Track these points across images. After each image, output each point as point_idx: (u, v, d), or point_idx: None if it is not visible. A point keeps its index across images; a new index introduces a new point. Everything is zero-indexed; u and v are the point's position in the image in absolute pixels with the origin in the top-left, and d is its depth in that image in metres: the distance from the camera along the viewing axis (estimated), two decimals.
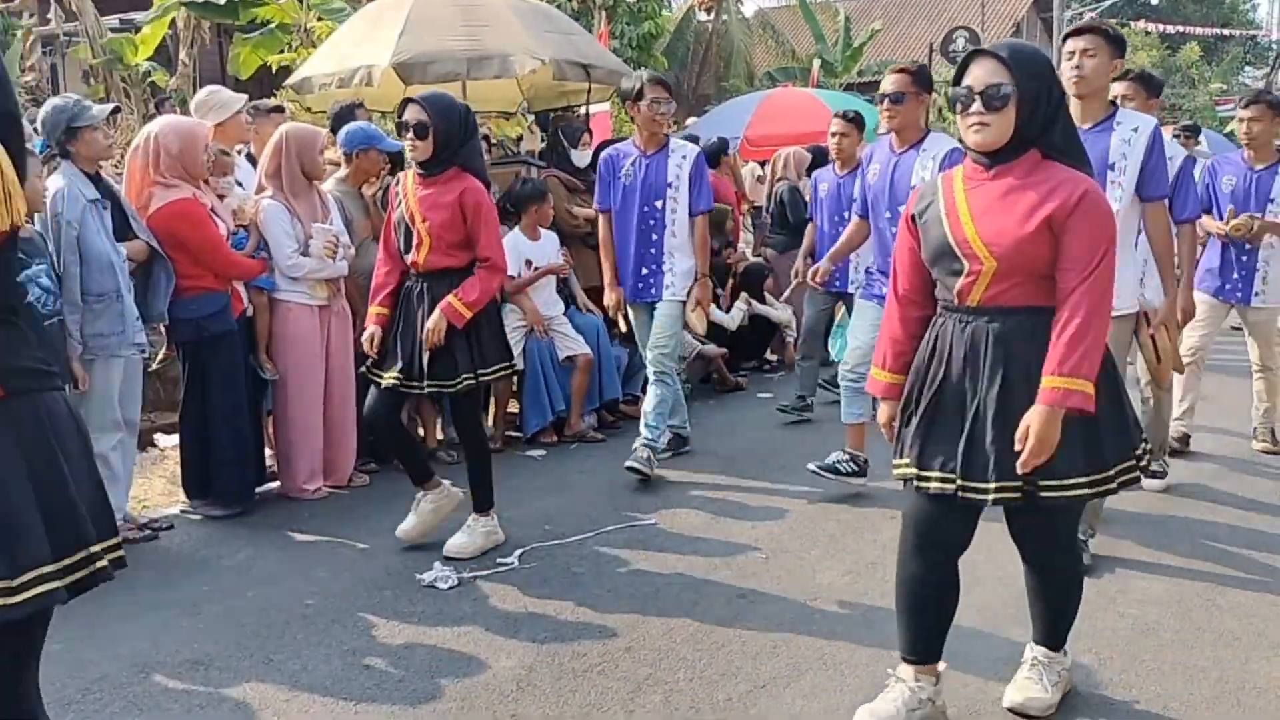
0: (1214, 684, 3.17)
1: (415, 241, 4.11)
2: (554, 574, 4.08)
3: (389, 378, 4.14)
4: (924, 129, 4.68)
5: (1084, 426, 2.60)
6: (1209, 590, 3.87)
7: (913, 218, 2.80)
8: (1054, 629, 3.02)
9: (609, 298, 5.39)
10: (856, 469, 4.98)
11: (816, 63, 19.75)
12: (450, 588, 3.94)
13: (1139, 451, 2.75)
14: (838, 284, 5.95)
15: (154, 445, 5.83)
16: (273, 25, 10.51)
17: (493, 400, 5.95)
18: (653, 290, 5.25)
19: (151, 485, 5.30)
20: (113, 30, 12.38)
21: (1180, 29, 29.04)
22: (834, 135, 6.20)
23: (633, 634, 3.54)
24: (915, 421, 2.76)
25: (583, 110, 7.31)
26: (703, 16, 23.85)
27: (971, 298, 2.65)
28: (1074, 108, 3.77)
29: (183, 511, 4.86)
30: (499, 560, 4.19)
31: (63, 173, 4.34)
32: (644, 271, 5.24)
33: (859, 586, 3.90)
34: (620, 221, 5.27)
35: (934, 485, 2.70)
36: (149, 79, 11.64)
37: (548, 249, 6.02)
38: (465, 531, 4.28)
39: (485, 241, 4.09)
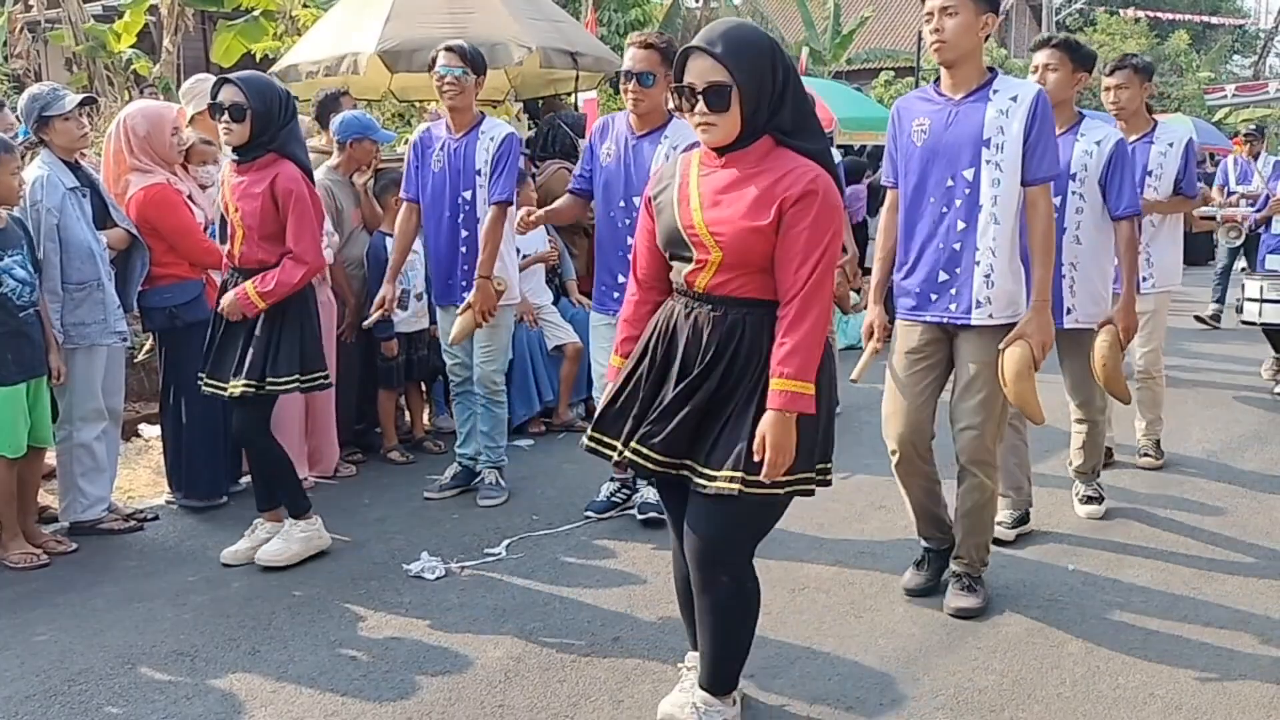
0: (1200, 670, 3.18)
1: (230, 232, 3.91)
2: (542, 564, 4.06)
3: (210, 384, 3.98)
4: (667, 114, 4.13)
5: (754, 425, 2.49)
6: (1196, 578, 3.88)
7: (650, 199, 2.71)
8: (714, 667, 2.72)
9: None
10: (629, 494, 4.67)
11: (805, 50, 19.70)
12: (437, 578, 3.92)
13: (818, 468, 2.60)
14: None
15: (139, 435, 5.79)
16: (257, 13, 10.43)
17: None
18: (464, 296, 4.51)
19: (137, 476, 5.26)
20: (95, 17, 12.27)
21: (1169, 17, 29.11)
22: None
23: (621, 624, 3.53)
24: (614, 389, 2.72)
25: (571, 98, 7.27)
26: (691, 3, 23.77)
27: (698, 284, 2.57)
28: (944, 78, 3.46)
29: (167, 502, 4.83)
30: (486, 550, 4.17)
31: (42, 161, 4.31)
32: (460, 273, 4.59)
33: (846, 577, 3.90)
34: (429, 214, 4.64)
35: (604, 450, 2.69)
36: (132, 67, 11.54)
37: (534, 237, 5.99)
38: (280, 538, 4.03)
39: (294, 232, 3.81)
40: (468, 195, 4.50)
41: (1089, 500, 4.54)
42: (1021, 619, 3.54)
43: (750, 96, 2.45)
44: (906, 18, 29.17)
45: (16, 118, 5.34)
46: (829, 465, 2.66)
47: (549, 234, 6.15)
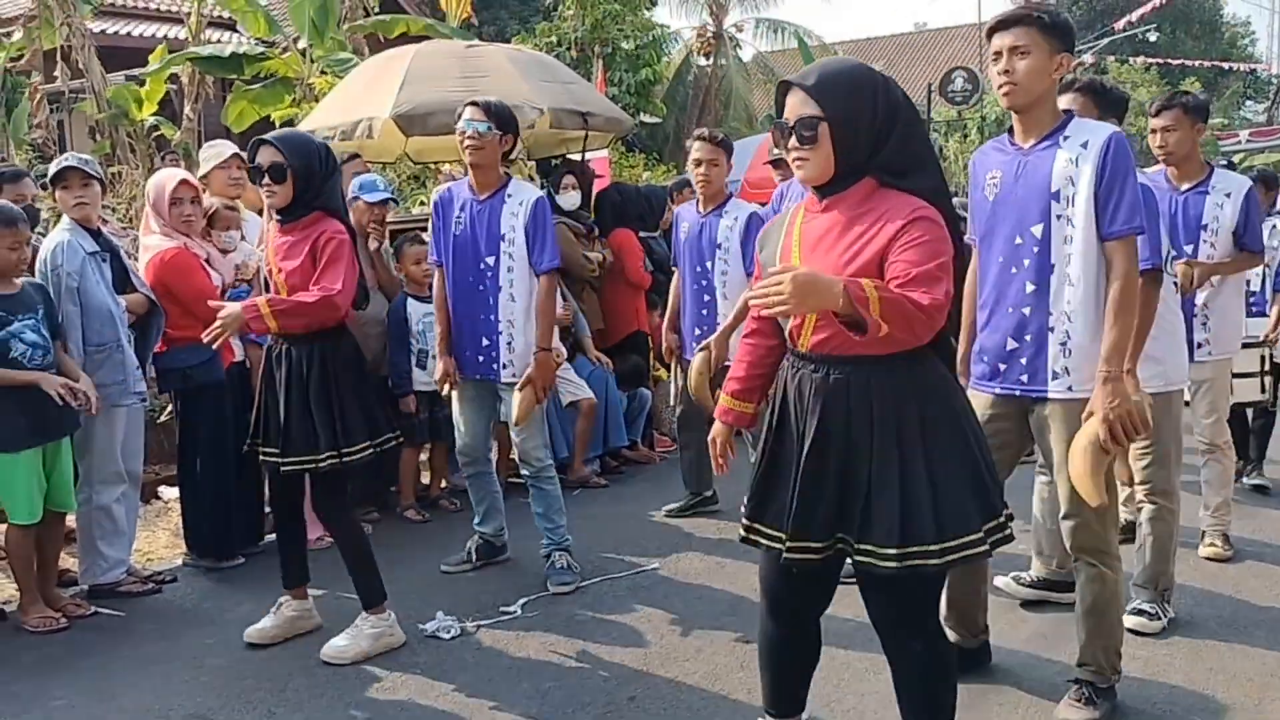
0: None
1: (273, 292, 3.75)
2: (558, 622, 4.05)
3: (261, 447, 3.80)
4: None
5: (926, 491, 2.35)
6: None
7: (756, 249, 2.69)
8: None
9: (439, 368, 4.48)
10: None
11: None
12: (453, 637, 3.92)
13: (995, 523, 2.42)
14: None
15: (158, 497, 5.82)
16: (275, 79, 10.62)
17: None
18: (494, 367, 4.36)
19: (155, 538, 5.29)
20: (120, 86, 12.52)
21: (1180, 63, 29.26)
22: (699, 164, 5.03)
23: (638, 683, 3.51)
24: (756, 472, 2.58)
25: (576, 155, 7.37)
26: (702, 61, 24.12)
27: (801, 342, 2.45)
28: (1015, 125, 3.11)
29: (185, 564, 4.84)
30: (502, 609, 4.17)
31: (63, 226, 4.42)
32: (484, 343, 4.37)
33: (867, 632, 3.85)
34: (449, 278, 4.41)
35: (764, 541, 2.54)
36: (155, 133, 11.75)
37: None
38: (349, 633, 3.78)
39: (323, 271, 3.60)
40: (490, 261, 4.26)
41: (1141, 613, 3.76)
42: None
43: (843, 131, 2.35)
44: (915, 71, 29.51)
45: (42, 186, 5.47)
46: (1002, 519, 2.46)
47: (563, 294, 6.20)
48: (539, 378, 4.24)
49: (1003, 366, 3.12)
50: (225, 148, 5.14)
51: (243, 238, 5.09)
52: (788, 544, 2.45)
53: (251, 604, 4.25)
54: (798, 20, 30.32)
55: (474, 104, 4.23)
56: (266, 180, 3.61)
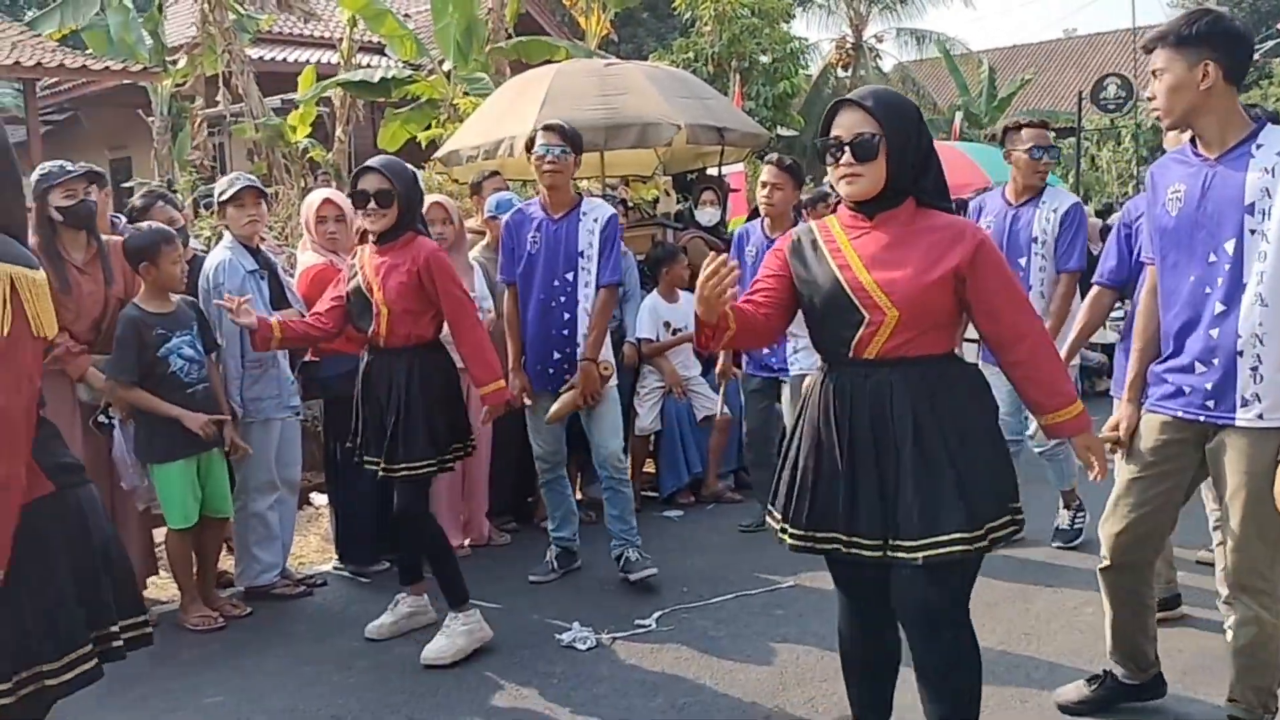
0: None
1: (375, 312, 3.87)
2: (692, 637, 4.04)
3: (370, 462, 3.96)
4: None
5: (959, 480, 2.49)
6: None
7: (790, 272, 2.67)
8: None
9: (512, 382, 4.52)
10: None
11: (959, 115, 19.47)
12: (588, 649, 3.95)
13: (1014, 509, 2.59)
14: (774, 364, 5.15)
15: (309, 503, 6.05)
16: (421, 101, 10.98)
17: (629, 457, 5.95)
18: (567, 378, 4.47)
19: (307, 542, 5.50)
20: (274, 111, 13.17)
21: None
22: (765, 186, 5.12)
23: (773, 701, 3.47)
24: (811, 482, 2.62)
25: (712, 170, 7.37)
26: (840, 73, 23.87)
27: (870, 350, 2.53)
28: (1171, 139, 3.25)
29: (335, 568, 5.02)
30: (637, 622, 4.18)
31: (225, 245, 4.64)
32: (555, 356, 4.48)
33: (1011, 660, 3.73)
34: (524, 297, 4.53)
35: (820, 545, 2.64)
36: (307, 155, 12.30)
37: (685, 310, 6.05)
38: (443, 634, 3.91)
39: (446, 303, 3.83)
40: (569, 277, 4.39)
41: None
42: None
43: (896, 151, 2.51)
44: (1067, 78, 28.54)
45: (198, 207, 5.74)
46: (1019, 505, 2.62)
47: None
48: (583, 385, 4.38)
49: (1188, 389, 2.93)
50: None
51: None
52: (846, 540, 2.57)
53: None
54: (941, 28, 29.77)
55: (549, 128, 4.37)
56: (373, 205, 3.78)
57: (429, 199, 5.24)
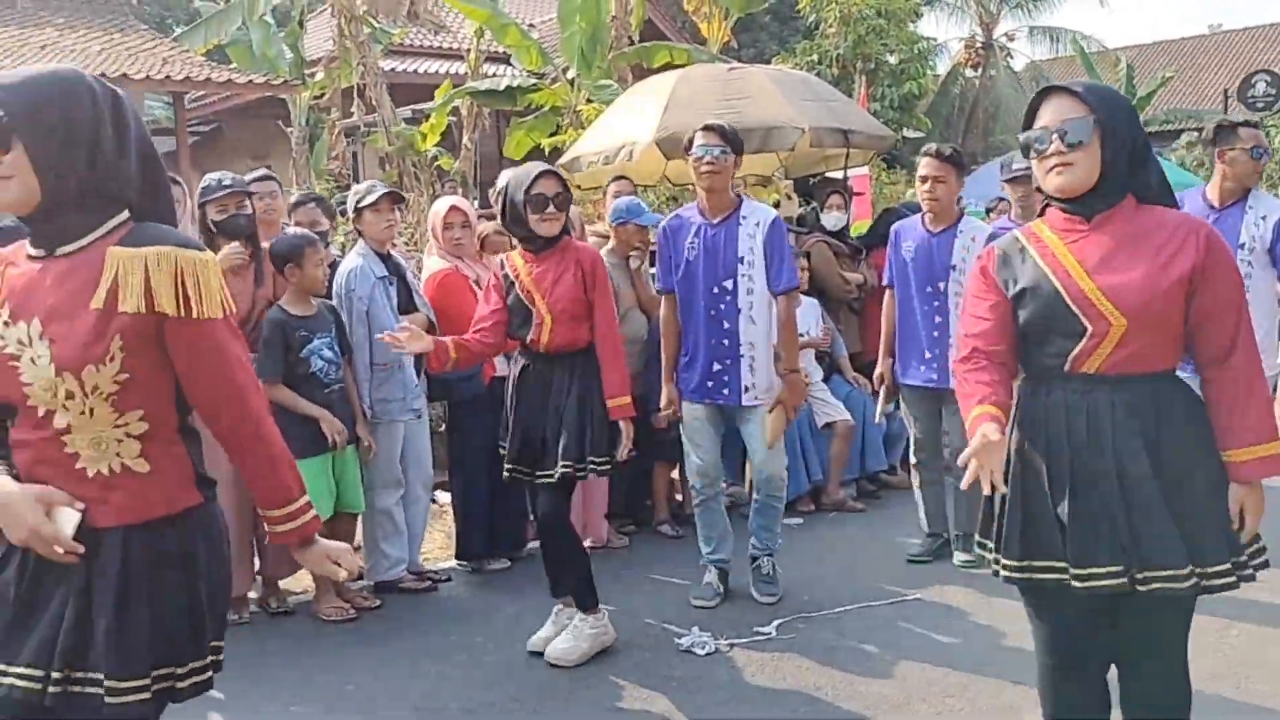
0: None
1: (536, 320, 3.82)
2: (813, 647, 4.00)
3: (515, 469, 3.93)
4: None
5: (1212, 507, 2.26)
6: None
7: (996, 287, 2.43)
8: None
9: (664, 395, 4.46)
10: None
11: None
12: (707, 654, 3.95)
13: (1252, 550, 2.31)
14: (934, 378, 4.78)
15: (434, 501, 6.20)
16: (545, 109, 11.17)
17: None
18: (726, 391, 4.33)
19: (432, 539, 5.63)
20: (405, 120, 13.57)
21: None
22: (925, 180, 4.80)
23: (895, 716, 3.41)
24: (1025, 508, 2.35)
25: (835, 173, 7.29)
26: (969, 73, 23.33)
27: (1091, 364, 2.29)
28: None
29: (459, 564, 5.13)
30: (756, 629, 4.16)
31: (358, 251, 4.79)
32: (715, 368, 4.34)
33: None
34: (684, 304, 4.39)
35: (1042, 576, 2.34)
36: (435, 163, 12.63)
37: (807, 315, 6.00)
38: (570, 633, 3.91)
39: (600, 313, 3.83)
40: (728, 284, 4.24)
41: None
42: None
43: (1111, 138, 2.27)
44: (1210, 75, 27.30)
45: (341, 213, 5.94)
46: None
47: (823, 317, 6.15)
48: (790, 399, 4.24)
49: None
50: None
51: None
52: (1073, 572, 2.29)
53: (517, 606, 4.45)
54: (1076, 26, 28.75)
55: (708, 129, 4.22)
56: (552, 209, 3.76)
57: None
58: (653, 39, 13.23)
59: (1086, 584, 2.28)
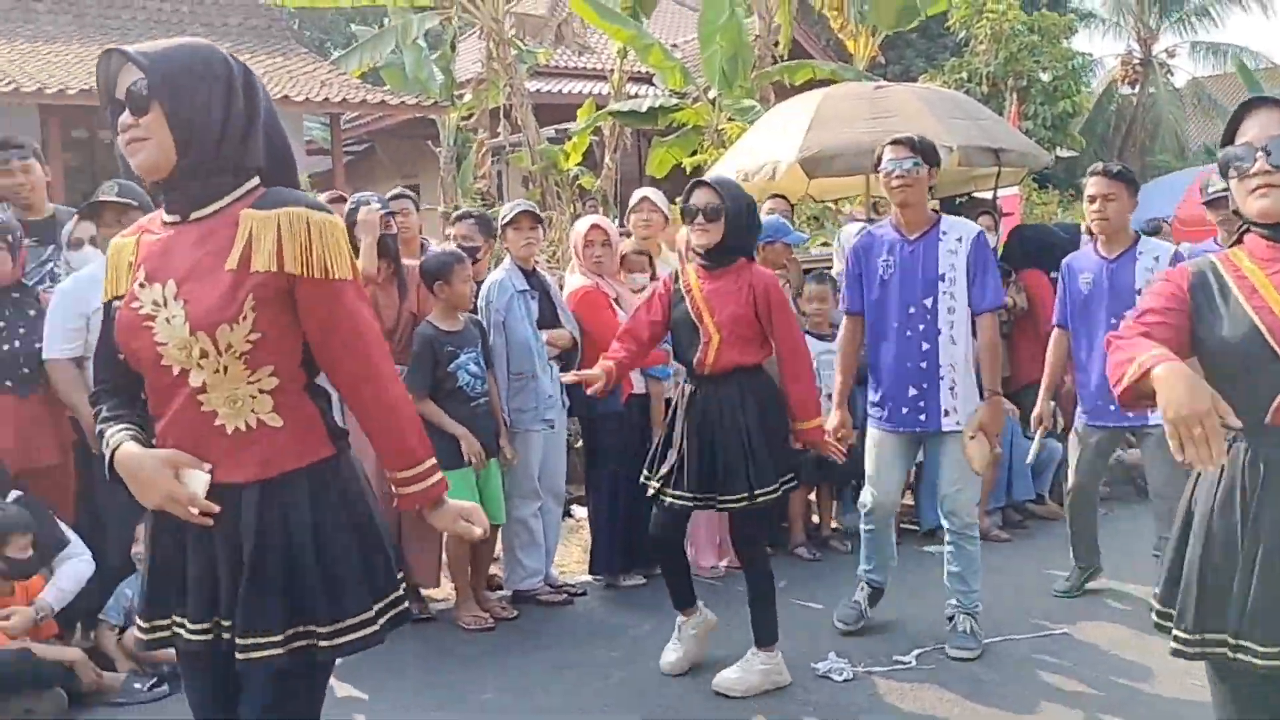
0: None
1: (704, 338, 3.74)
2: (954, 679, 3.88)
3: (662, 490, 3.84)
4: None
5: None
6: None
7: (1184, 290, 2.15)
8: None
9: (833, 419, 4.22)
10: None
11: None
12: (844, 680, 3.87)
13: None
14: (1125, 416, 4.31)
15: (570, 515, 6.27)
16: (687, 128, 11.24)
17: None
18: (921, 417, 4.12)
19: (569, 553, 5.69)
20: (549, 140, 13.85)
21: None
22: (1094, 200, 4.47)
23: None
24: (1201, 572, 2.11)
25: (984, 194, 7.11)
26: (1126, 90, 22.45)
27: None
28: None
29: (594, 579, 5.17)
30: (896, 658, 4.06)
31: (503, 266, 4.92)
32: (911, 393, 4.14)
33: None
34: (876, 327, 4.20)
35: (1219, 650, 2.09)
36: (577, 181, 12.85)
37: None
38: (740, 666, 3.80)
39: (784, 334, 3.74)
40: (928, 303, 4.01)
41: None
42: None
43: None
44: None
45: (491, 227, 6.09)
46: None
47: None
48: (991, 423, 4.01)
49: None
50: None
51: (652, 277, 5.37)
52: (1260, 651, 2.04)
53: (652, 624, 4.45)
54: (1242, 41, 27.43)
55: (896, 142, 4.04)
56: (701, 219, 3.72)
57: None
58: (795, 57, 13.18)
59: (1270, 662, 2.04)
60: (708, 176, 3.86)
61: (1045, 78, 15.04)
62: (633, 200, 5.43)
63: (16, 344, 4.09)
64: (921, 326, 4.06)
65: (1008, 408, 5.98)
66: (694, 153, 10.60)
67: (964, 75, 14.97)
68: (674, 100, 11.76)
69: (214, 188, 1.99)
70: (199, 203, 1.99)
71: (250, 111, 2.00)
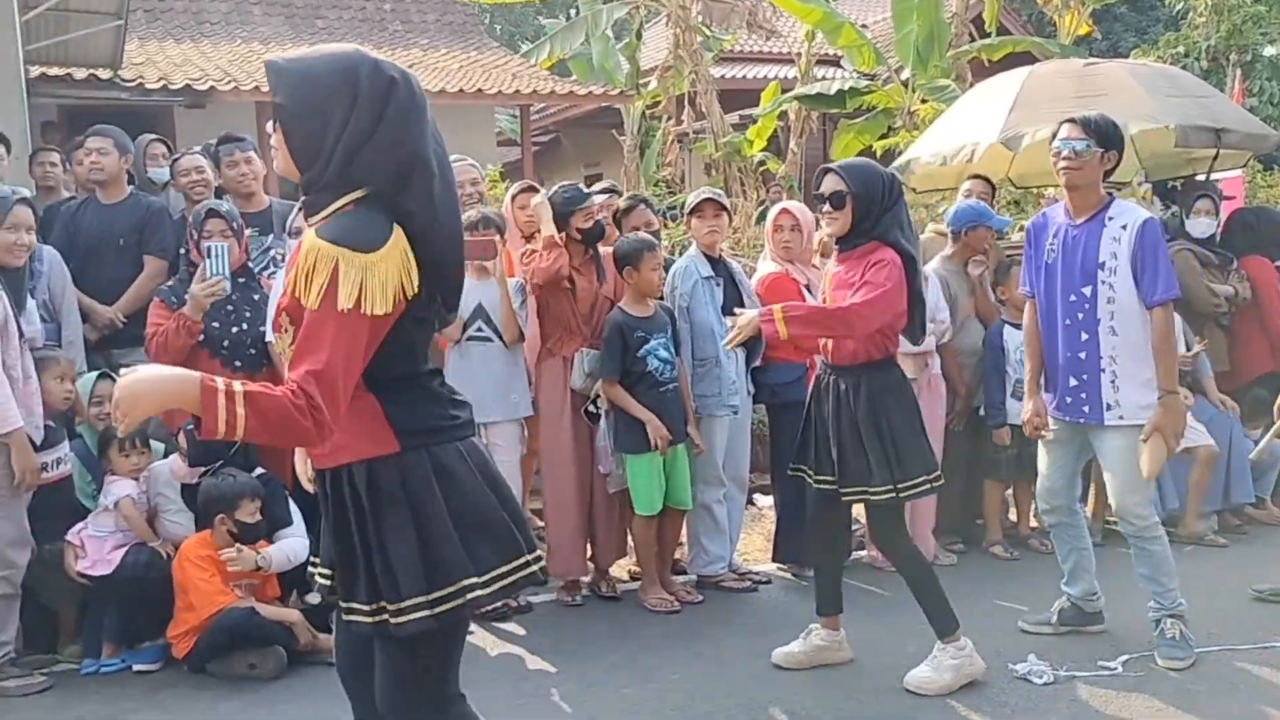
0: None
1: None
2: (1165, 688, 3.66)
3: (810, 476, 3.83)
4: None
5: None
6: None
7: None
8: None
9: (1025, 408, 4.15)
10: None
11: None
12: (1044, 683, 3.72)
13: None
14: None
15: (753, 504, 6.25)
16: (877, 110, 10.98)
17: (1092, 488, 5.50)
18: (1086, 409, 3.95)
19: (752, 541, 5.67)
20: (733, 126, 13.80)
21: None
22: None
23: None
24: None
25: (1200, 176, 6.65)
26: None
27: None
28: None
29: (778, 568, 5.13)
30: (1101, 664, 3.87)
31: (690, 253, 4.96)
32: (1072, 383, 3.99)
33: None
34: (1042, 311, 4.07)
35: None
36: (761, 167, 12.75)
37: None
38: (929, 664, 3.71)
39: (858, 288, 3.55)
40: (1086, 292, 3.86)
41: None
42: None
43: None
44: None
45: (665, 219, 6.13)
46: None
47: (1184, 333, 5.63)
48: (1167, 425, 3.76)
49: None
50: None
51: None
52: None
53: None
54: None
55: (1071, 121, 3.88)
56: (827, 207, 3.66)
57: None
58: (995, 33, 12.65)
59: None
60: (839, 162, 3.78)
61: (1272, 51, 13.95)
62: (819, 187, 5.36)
63: (244, 326, 4.40)
64: (1081, 315, 3.91)
65: (1226, 403, 5.63)
66: (884, 135, 10.35)
67: (1180, 50, 14.02)
68: (864, 82, 11.51)
69: (323, 200, 2.10)
70: (313, 211, 2.13)
71: (366, 128, 2.06)
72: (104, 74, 11.25)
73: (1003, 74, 7.04)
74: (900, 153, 8.07)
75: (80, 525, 4.10)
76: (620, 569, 5.03)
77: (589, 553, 4.81)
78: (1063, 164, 3.85)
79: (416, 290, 2.06)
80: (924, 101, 9.90)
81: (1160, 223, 3.97)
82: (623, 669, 3.95)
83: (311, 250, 2.02)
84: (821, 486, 3.82)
